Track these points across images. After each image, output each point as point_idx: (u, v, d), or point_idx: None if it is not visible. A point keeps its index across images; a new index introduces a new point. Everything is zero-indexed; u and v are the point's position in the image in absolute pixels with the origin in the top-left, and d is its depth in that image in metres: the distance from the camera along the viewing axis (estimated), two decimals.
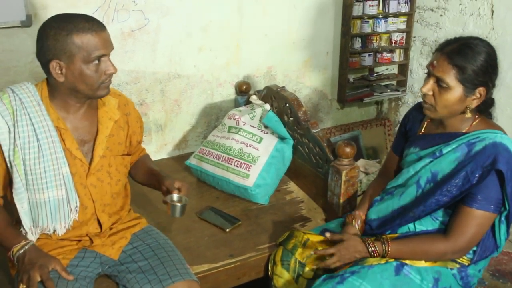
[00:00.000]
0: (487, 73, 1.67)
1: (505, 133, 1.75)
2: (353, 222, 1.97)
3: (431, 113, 1.77)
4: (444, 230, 1.79)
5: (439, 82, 1.70)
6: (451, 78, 1.67)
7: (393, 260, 1.77)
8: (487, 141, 1.69)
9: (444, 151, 1.77)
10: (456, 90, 1.68)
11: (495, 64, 1.71)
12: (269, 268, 2.07)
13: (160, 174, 1.96)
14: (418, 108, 1.95)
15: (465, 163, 1.70)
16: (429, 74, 1.74)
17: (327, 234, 1.88)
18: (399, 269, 1.75)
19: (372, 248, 1.80)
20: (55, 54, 1.61)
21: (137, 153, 2.09)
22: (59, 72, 1.63)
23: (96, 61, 1.64)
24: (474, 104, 1.71)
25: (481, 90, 1.69)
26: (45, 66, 1.65)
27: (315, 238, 1.99)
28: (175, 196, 1.88)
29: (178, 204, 1.86)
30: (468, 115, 1.73)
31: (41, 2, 2.39)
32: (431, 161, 1.80)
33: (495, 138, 1.69)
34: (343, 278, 1.72)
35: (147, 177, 2.04)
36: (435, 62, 1.71)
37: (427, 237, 1.79)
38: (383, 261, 1.77)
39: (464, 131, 1.77)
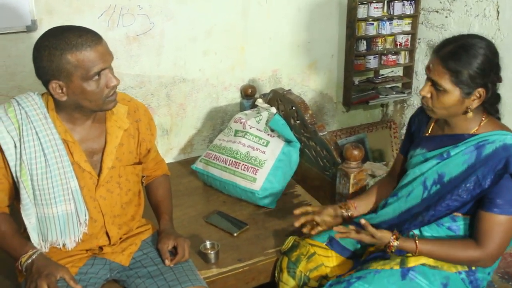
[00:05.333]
0: (485, 75, 1.63)
1: None
2: (344, 210, 1.99)
3: (431, 113, 1.75)
4: (470, 236, 1.75)
5: (435, 85, 1.67)
6: (446, 82, 1.64)
7: (398, 267, 1.74)
8: (497, 144, 1.66)
9: (452, 153, 1.74)
10: (453, 93, 1.65)
11: (493, 65, 1.66)
12: (276, 274, 2.05)
13: (160, 225, 1.92)
14: (424, 110, 1.94)
15: (475, 167, 1.67)
16: (427, 77, 1.72)
17: (362, 221, 1.76)
18: (405, 274, 1.73)
19: (396, 244, 1.73)
20: (53, 75, 1.54)
21: (151, 164, 2.01)
22: (60, 91, 1.57)
23: (96, 77, 1.56)
24: (475, 104, 1.67)
25: (480, 91, 1.65)
26: (45, 86, 1.60)
27: (322, 251, 1.95)
28: (208, 244, 2.09)
29: (212, 252, 2.05)
30: (470, 115, 1.69)
31: (47, 8, 2.39)
32: (438, 163, 1.77)
33: (505, 140, 1.66)
34: (349, 283, 1.70)
35: (154, 211, 2.02)
36: (431, 65, 1.68)
37: (458, 242, 1.73)
38: (387, 266, 1.75)
39: (472, 132, 1.74)
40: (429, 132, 1.90)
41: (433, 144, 1.84)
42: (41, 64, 1.55)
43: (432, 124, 1.90)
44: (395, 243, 1.73)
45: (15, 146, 1.61)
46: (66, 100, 1.59)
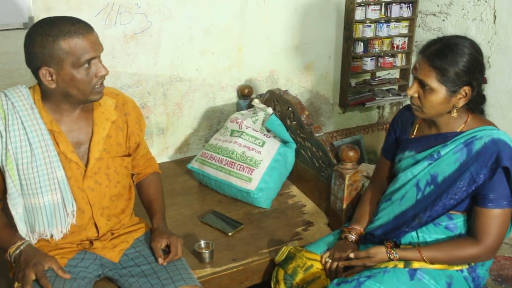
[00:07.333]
0: (470, 73, 1.66)
1: (498, 129, 1.75)
2: (349, 236, 1.97)
3: (420, 114, 1.78)
4: (467, 234, 1.78)
5: (422, 84, 1.70)
6: (432, 80, 1.67)
7: (402, 266, 1.75)
8: (485, 139, 1.69)
9: (442, 153, 1.77)
10: (439, 92, 1.68)
11: (478, 63, 1.69)
12: (272, 285, 1.99)
13: (153, 223, 1.93)
14: (406, 111, 1.95)
15: (468, 164, 1.70)
16: (414, 77, 1.74)
17: (352, 255, 1.84)
18: (413, 274, 1.74)
19: (396, 254, 1.79)
20: (44, 61, 1.57)
21: (141, 161, 2.02)
22: (50, 78, 1.60)
23: (86, 65, 1.60)
24: (461, 103, 1.71)
25: (466, 89, 1.68)
26: (35, 73, 1.62)
27: (319, 264, 1.92)
28: (202, 243, 2.08)
29: (206, 252, 2.04)
30: (454, 114, 1.73)
31: (44, 5, 2.39)
32: (429, 164, 1.79)
33: (492, 134, 1.70)
34: (359, 283, 1.69)
35: (147, 209, 2.03)
36: (417, 65, 1.72)
37: (457, 242, 1.76)
38: (391, 264, 1.76)
39: (458, 130, 1.77)
40: (415, 133, 1.91)
41: (421, 145, 1.86)
42: (33, 50, 1.57)
43: (417, 125, 1.91)
44: (395, 253, 1.77)
45: (1, 136, 1.64)
46: (54, 88, 1.62)
